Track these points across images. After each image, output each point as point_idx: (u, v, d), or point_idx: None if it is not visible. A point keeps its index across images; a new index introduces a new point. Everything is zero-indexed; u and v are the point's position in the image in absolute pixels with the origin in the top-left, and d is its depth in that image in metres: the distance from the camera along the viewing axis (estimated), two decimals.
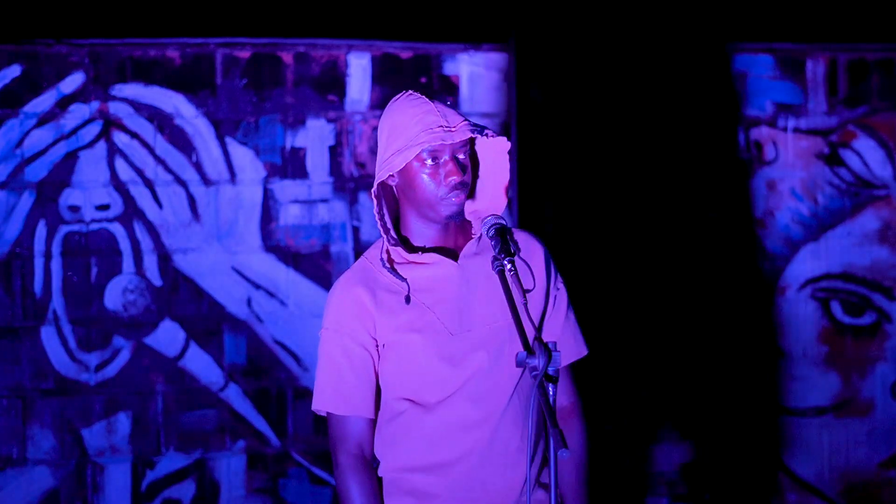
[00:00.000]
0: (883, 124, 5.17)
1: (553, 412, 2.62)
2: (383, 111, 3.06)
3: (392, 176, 2.97)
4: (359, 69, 4.83)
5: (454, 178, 2.90)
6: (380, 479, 3.02)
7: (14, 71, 4.63)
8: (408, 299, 2.94)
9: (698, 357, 5.08)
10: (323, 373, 3.01)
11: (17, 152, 4.63)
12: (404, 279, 2.95)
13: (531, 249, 3.06)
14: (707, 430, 5.10)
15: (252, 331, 4.78)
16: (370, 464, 3.00)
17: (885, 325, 5.19)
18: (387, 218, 3.01)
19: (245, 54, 4.77)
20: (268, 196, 4.79)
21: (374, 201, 2.98)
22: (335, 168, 4.82)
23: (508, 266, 2.82)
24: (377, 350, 2.99)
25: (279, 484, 4.80)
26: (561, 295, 3.09)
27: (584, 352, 3.13)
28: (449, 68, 4.88)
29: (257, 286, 4.78)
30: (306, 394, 4.79)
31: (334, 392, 2.99)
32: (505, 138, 2.99)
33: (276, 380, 4.79)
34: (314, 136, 4.81)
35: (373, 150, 4.83)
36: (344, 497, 2.98)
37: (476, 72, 4.89)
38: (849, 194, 5.15)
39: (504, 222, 2.92)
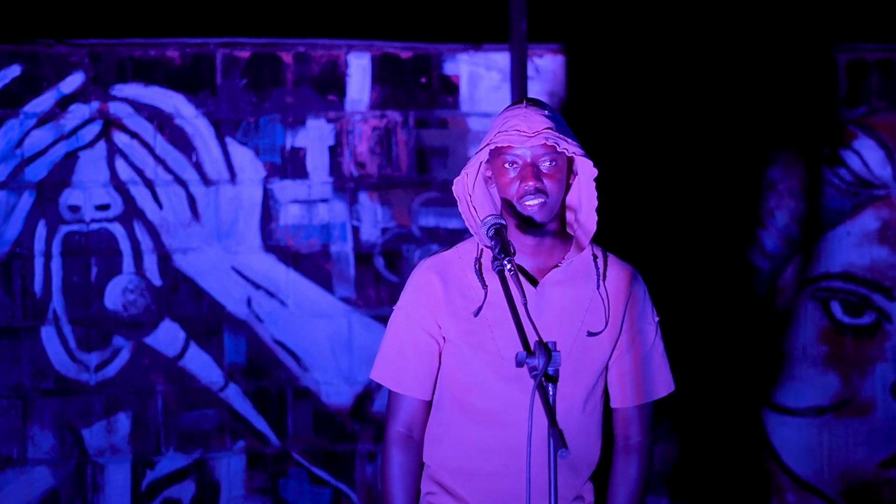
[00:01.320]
0: (883, 124, 5.16)
1: (553, 412, 2.63)
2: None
3: (490, 179, 3.00)
4: (359, 69, 4.83)
5: (528, 184, 2.90)
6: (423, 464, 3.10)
7: (14, 71, 4.63)
8: (477, 312, 2.97)
9: (699, 356, 5.08)
10: (387, 347, 3.08)
11: (17, 152, 4.63)
12: (485, 287, 2.97)
13: (619, 285, 3.07)
14: (707, 430, 5.10)
15: (252, 331, 4.78)
16: (417, 444, 3.07)
17: (885, 325, 5.19)
18: (479, 217, 3.04)
19: (245, 54, 4.77)
20: (268, 196, 4.79)
21: (459, 200, 3.02)
22: (335, 168, 4.82)
23: (508, 266, 2.82)
24: (443, 338, 3.03)
25: (279, 484, 4.80)
26: (644, 336, 3.08)
27: (663, 392, 3.15)
28: (449, 68, 4.88)
29: (257, 286, 4.78)
30: (306, 393, 4.80)
31: (393, 369, 3.06)
32: (591, 162, 2.99)
33: (276, 380, 4.79)
34: (314, 136, 4.81)
35: (373, 150, 4.83)
36: (383, 469, 3.06)
37: (476, 72, 4.89)
38: (849, 194, 5.15)
39: (503, 223, 2.91)
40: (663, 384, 3.15)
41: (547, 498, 2.81)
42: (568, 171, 3.00)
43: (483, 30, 4.90)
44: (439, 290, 3.01)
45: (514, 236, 2.99)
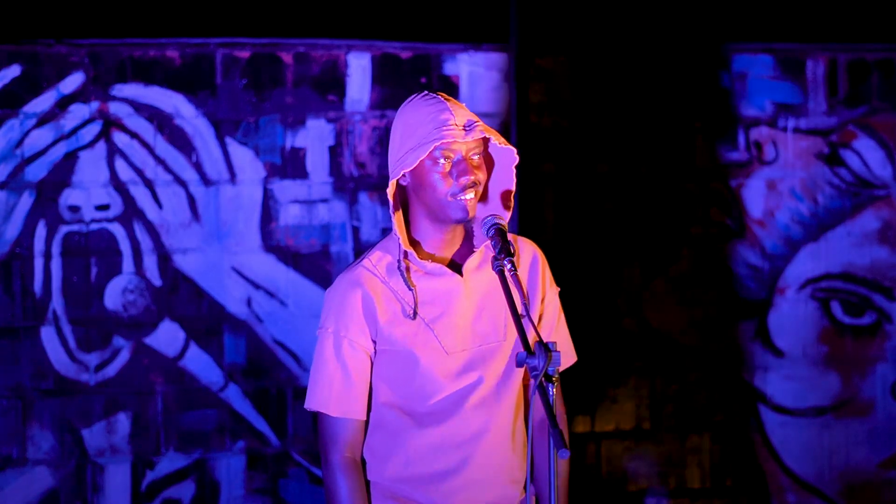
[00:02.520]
0: (883, 124, 5.16)
1: (553, 412, 2.63)
2: (396, 112, 3.02)
3: (403, 176, 2.95)
4: (359, 69, 4.83)
5: (466, 178, 2.89)
6: (367, 482, 3.04)
7: (14, 71, 4.62)
8: (414, 314, 2.94)
9: (699, 356, 5.08)
10: (317, 373, 3.02)
11: (17, 152, 4.63)
12: (411, 289, 2.95)
13: (530, 264, 3.06)
14: (707, 429, 5.10)
15: (252, 331, 4.78)
16: (359, 465, 3.02)
17: (885, 325, 5.19)
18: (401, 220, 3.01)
19: (245, 54, 4.77)
20: (268, 196, 4.79)
21: (391, 202, 2.97)
22: (335, 168, 4.82)
23: (508, 266, 2.82)
24: (374, 352, 2.99)
25: (279, 484, 4.80)
26: (552, 307, 3.09)
27: (572, 360, 3.14)
28: (449, 68, 4.88)
29: (257, 286, 4.78)
30: (306, 394, 4.79)
31: (328, 393, 3.00)
32: (514, 150, 2.98)
33: (275, 380, 4.79)
34: (314, 136, 4.81)
35: (373, 150, 4.83)
36: (332, 496, 2.99)
37: (476, 72, 4.89)
38: (849, 194, 5.15)
39: (503, 223, 2.92)
40: (569, 353, 3.13)
41: (508, 485, 2.92)
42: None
43: (483, 30, 4.90)
44: (364, 300, 2.96)
45: (427, 229, 2.97)
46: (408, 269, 2.97)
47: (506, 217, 3.01)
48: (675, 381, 5.06)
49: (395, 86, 4.83)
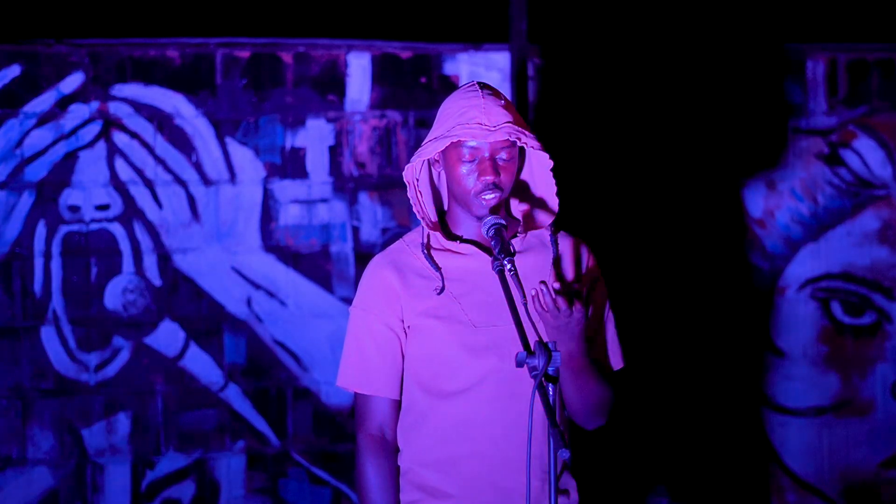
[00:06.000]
0: (883, 124, 5.16)
1: (553, 412, 2.63)
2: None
3: (437, 161, 2.99)
4: (359, 69, 4.83)
5: (487, 178, 2.91)
6: (398, 469, 3.02)
7: (14, 71, 4.63)
8: (441, 290, 2.95)
9: (699, 356, 5.08)
10: (348, 350, 3.03)
11: (17, 152, 4.63)
12: (438, 268, 2.96)
13: (574, 258, 3.07)
14: (707, 429, 5.10)
15: (252, 331, 4.78)
16: (391, 447, 3.00)
17: (886, 325, 5.19)
18: (424, 201, 3.03)
19: (245, 54, 4.77)
20: (268, 196, 4.79)
21: (408, 185, 3.00)
22: (335, 168, 4.82)
23: (508, 266, 2.82)
24: (404, 332, 2.99)
25: (279, 484, 4.80)
26: (597, 304, 3.07)
27: (619, 365, 3.11)
28: (449, 68, 4.88)
29: (257, 286, 4.78)
30: (306, 394, 4.80)
31: (356, 370, 3.01)
32: (547, 155, 3.00)
33: (275, 380, 4.79)
34: (314, 136, 4.81)
35: (373, 150, 4.83)
36: (359, 477, 2.99)
37: (476, 72, 4.89)
38: (849, 194, 5.15)
39: (503, 223, 2.92)
40: (619, 357, 3.13)
41: (538, 476, 2.83)
42: (519, 157, 3.01)
43: (483, 30, 4.90)
44: (394, 279, 2.98)
45: (458, 211, 3.00)
46: (430, 247, 2.99)
47: (552, 213, 3.04)
48: (675, 381, 5.06)
49: (395, 86, 4.83)
